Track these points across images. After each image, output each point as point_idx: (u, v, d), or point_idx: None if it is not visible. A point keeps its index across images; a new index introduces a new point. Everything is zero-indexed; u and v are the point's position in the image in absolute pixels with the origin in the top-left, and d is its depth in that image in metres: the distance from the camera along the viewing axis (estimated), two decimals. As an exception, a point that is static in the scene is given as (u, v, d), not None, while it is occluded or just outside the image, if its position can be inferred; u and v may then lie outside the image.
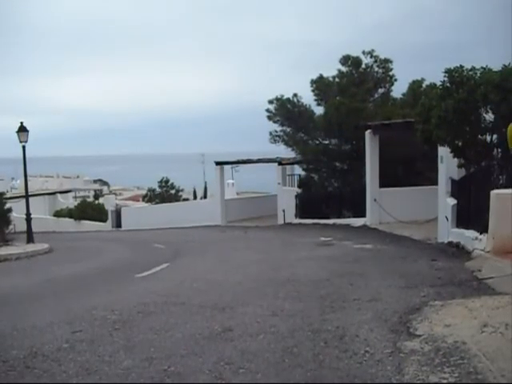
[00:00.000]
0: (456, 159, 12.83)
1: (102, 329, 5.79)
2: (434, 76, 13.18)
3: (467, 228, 11.43)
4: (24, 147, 22.00)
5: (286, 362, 4.41)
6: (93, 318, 6.30)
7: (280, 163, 27.87)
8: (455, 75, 11.72)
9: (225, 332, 5.42)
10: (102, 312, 6.61)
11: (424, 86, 22.07)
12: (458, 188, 13.21)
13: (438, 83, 12.21)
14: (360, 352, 4.56)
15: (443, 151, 13.39)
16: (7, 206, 24.29)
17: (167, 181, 42.71)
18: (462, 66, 11.76)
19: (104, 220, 35.48)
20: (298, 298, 7.04)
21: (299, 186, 26.61)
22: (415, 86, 23.65)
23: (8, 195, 34.95)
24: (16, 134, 21.97)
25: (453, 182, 13.57)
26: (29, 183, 24.64)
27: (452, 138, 12.06)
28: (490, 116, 11.71)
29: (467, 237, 10.82)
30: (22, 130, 22.02)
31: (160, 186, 42.62)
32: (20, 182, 49.21)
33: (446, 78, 11.86)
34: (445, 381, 3.78)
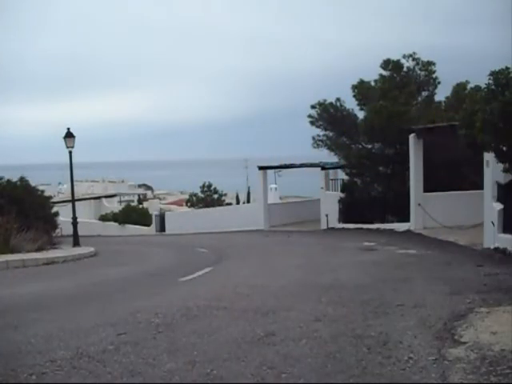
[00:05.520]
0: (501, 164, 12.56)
1: (146, 332, 5.86)
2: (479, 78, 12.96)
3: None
4: (70, 153, 22.44)
5: (329, 368, 4.39)
6: (137, 321, 6.38)
7: (323, 168, 27.78)
8: (501, 77, 11.49)
9: (267, 336, 5.42)
10: (145, 315, 6.68)
11: (468, 88, 21.76)
12: (504, 193, 12.94)
13: (483, 85, 11.99)
14: (403, 358, 4.51)
15: (489, 155, 13.14)
16: (54, 209, 24.85)
17: (210, 185, 43.03)
18: (507, 68, 11.51)
19: (148, 224, 35.89)
20: (341, 303, 7.00)
21: (342, 191, 26.44)
22: (459, 88, 23.34)
23: (55, 199, 35.76)
24: (63, 140, 22.43)
25: (499, 186, 13.28)
26: (75, 188, 25.13)
27: (497, 143, 11.79)
28: None
29: (514, 242, 10.61)
30: (69, 135, 22.46)
31: (202, 191, 42.96)
32: (67, 187, 50.31)
33: (490, 81, 11.63)
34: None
